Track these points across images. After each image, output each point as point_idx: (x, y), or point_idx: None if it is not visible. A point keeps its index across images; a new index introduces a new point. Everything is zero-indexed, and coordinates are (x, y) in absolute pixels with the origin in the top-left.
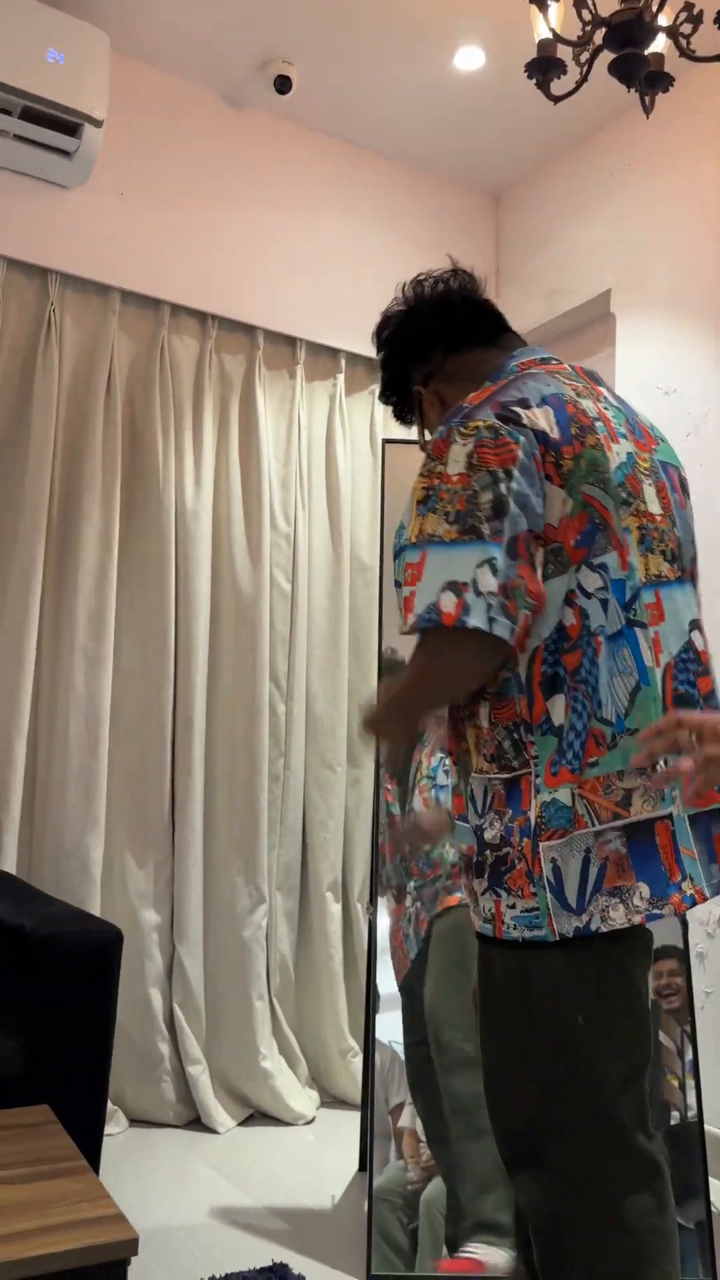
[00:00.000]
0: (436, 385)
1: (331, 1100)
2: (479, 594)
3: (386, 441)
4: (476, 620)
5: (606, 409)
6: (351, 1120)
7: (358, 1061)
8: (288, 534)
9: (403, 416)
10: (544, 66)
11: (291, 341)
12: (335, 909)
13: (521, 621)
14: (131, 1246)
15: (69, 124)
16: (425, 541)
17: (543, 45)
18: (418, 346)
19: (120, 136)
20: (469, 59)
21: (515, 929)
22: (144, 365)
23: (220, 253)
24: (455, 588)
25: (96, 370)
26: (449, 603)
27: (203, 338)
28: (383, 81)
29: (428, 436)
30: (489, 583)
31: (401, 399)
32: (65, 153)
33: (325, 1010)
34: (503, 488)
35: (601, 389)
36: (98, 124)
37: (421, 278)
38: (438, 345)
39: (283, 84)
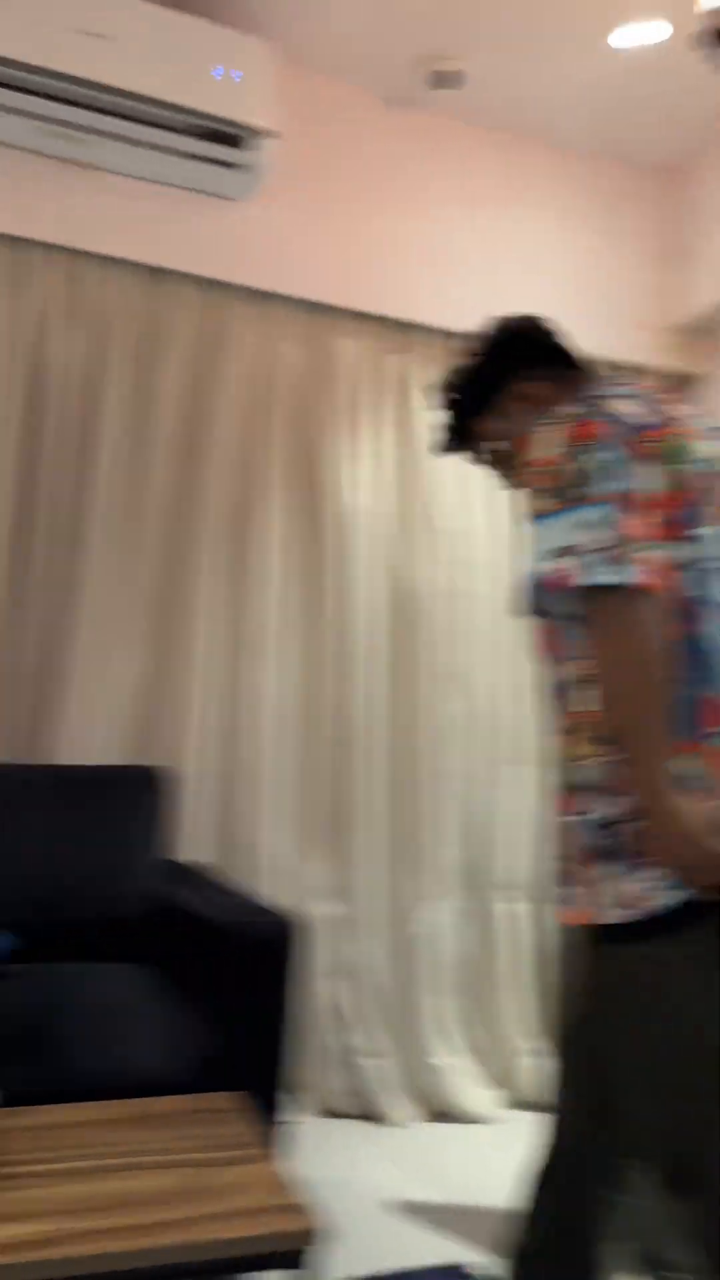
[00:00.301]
0: (533, 389)
1: (516, 1102)
2: (594, 551)
3: None
4: (593, 576)
5: (688, 416)
6: (534, 1122)
7: (540, 1063)
8: (453, 530)
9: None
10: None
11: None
12: (516, 908)
13: (656, 562)
14: (309, 1236)
15: (238, 138)
16: (533, 518)
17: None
18: (512, 353)
19: (287, 145)
20: (632, 36)
21: (663, 894)
22: (312, 370)
23: (387, 253)
24: (569, 552)
25: (268, 378)
26: (570, 564)
27: (369, 339)
28: (543, 68)
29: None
30: (602, 538)
31: (484, 403)
32: (235, 166)
33: (507, 1010)
34: (591, 458)
35: (683, 404)
36: (266, 136)
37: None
38: (539, 358)
39: (444, 80)
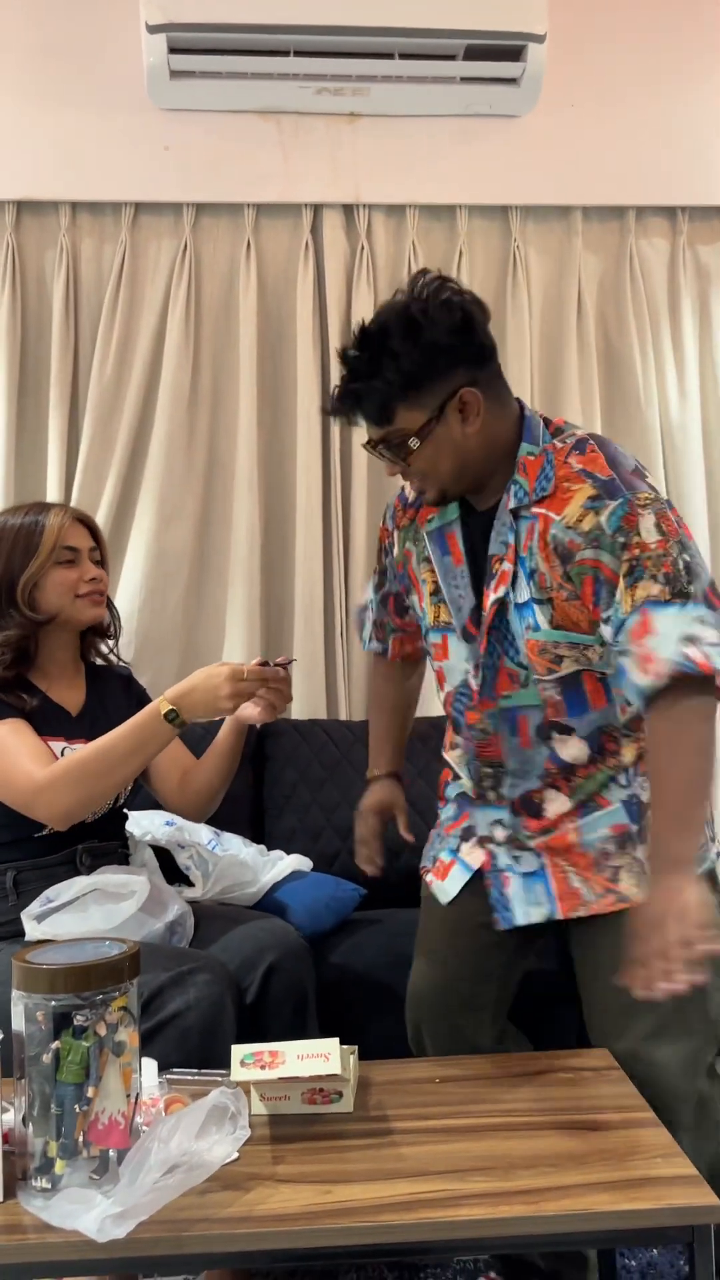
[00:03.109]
0: (483, 392)
1: None
2: (712, 645)
3: None
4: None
5: None
6: None
7: None
8: None
9: (399, 401)
10: None
11: None
12: None
13: None
14: (713, 1213)
15: (513, 50)
16: (643, 603)
17: None
18: (479, 348)
19: (560, 48)
20: None
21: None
22: (612, 280)
23: (682, 140)
24: (691, 640)
25: (565, 297)
26: (697, 654)
27: (672, 235)
28: None
29: (411, 444)
30: (711, 636)
31: (424, 385)
32: (512, 80)
33: None
34: (691, 552)
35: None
36: (540, 40)
37: (449, 283)
38: (491, 355)
39: None
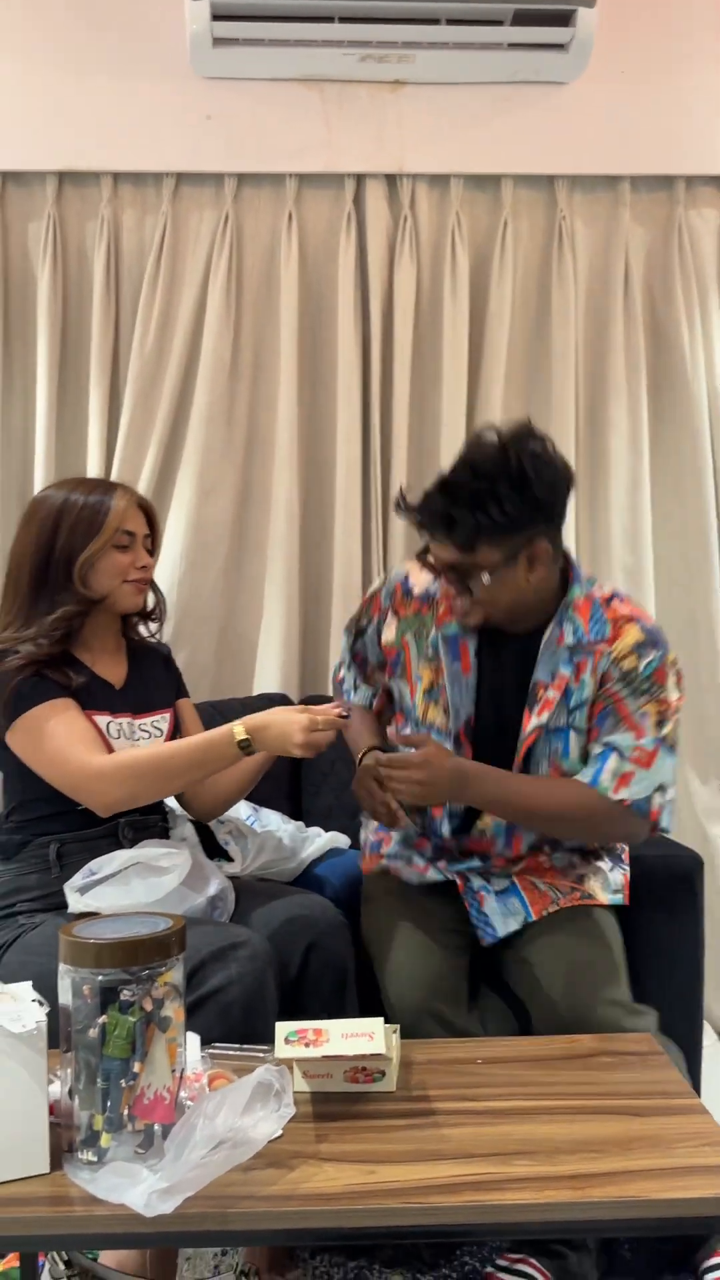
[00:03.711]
0: (551, 545)
1: None
2: (667, 799)
3: None
4: (665, 823)
5: None
6: None
7: None
8: None
9: (481, 542)
10: None
11: None
12: None
13: None
14: None
15: (562, 14)
16: (661, 743)
17: None
18: (563, 510)
19: (611, 12)
20: None
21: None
22: (661, 251)
23: None
24: (663, 790)
25: (611, 269)
26: (656, 803)
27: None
28: None
29: (486, 579)
30: (671, 794)
31: (514, 533)
32: (560, 46)
33: None
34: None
35: None
36: (590, 4)
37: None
38: (565, 516)
39: None
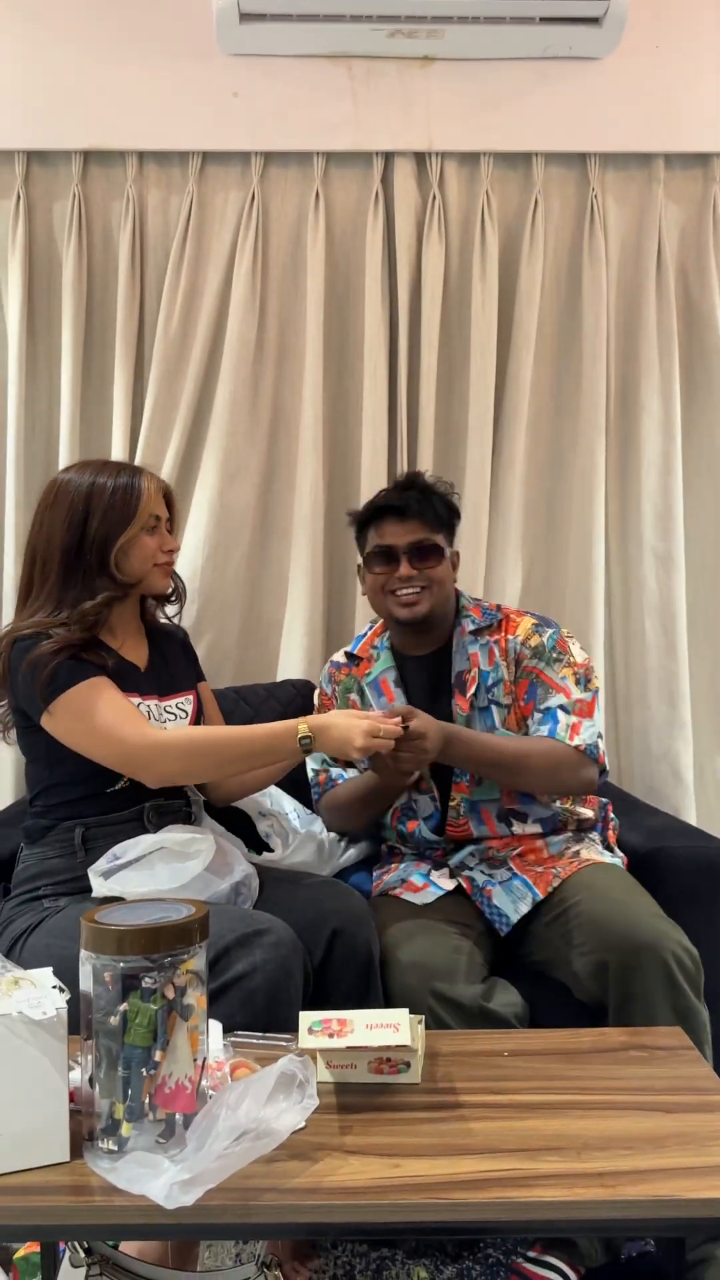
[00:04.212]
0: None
1: None
2: (603, 746)
3: None
4: (605, 766)
5: None
6: None
7: None
8: None
9: (432, 537)
10: None
11: None
12: None
13: None
14: None
15: None
16: (595, 695)
17: None
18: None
19: None
20: None
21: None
22: (695, 230)
23: None
24: (601, 737)
25: (644, 248)
26: (600, 748)
27: None
28: None
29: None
30: (601, 744)
31: (444, 530)
32: (594, 20)
33: None
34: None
35: None
36: None
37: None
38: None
39: None
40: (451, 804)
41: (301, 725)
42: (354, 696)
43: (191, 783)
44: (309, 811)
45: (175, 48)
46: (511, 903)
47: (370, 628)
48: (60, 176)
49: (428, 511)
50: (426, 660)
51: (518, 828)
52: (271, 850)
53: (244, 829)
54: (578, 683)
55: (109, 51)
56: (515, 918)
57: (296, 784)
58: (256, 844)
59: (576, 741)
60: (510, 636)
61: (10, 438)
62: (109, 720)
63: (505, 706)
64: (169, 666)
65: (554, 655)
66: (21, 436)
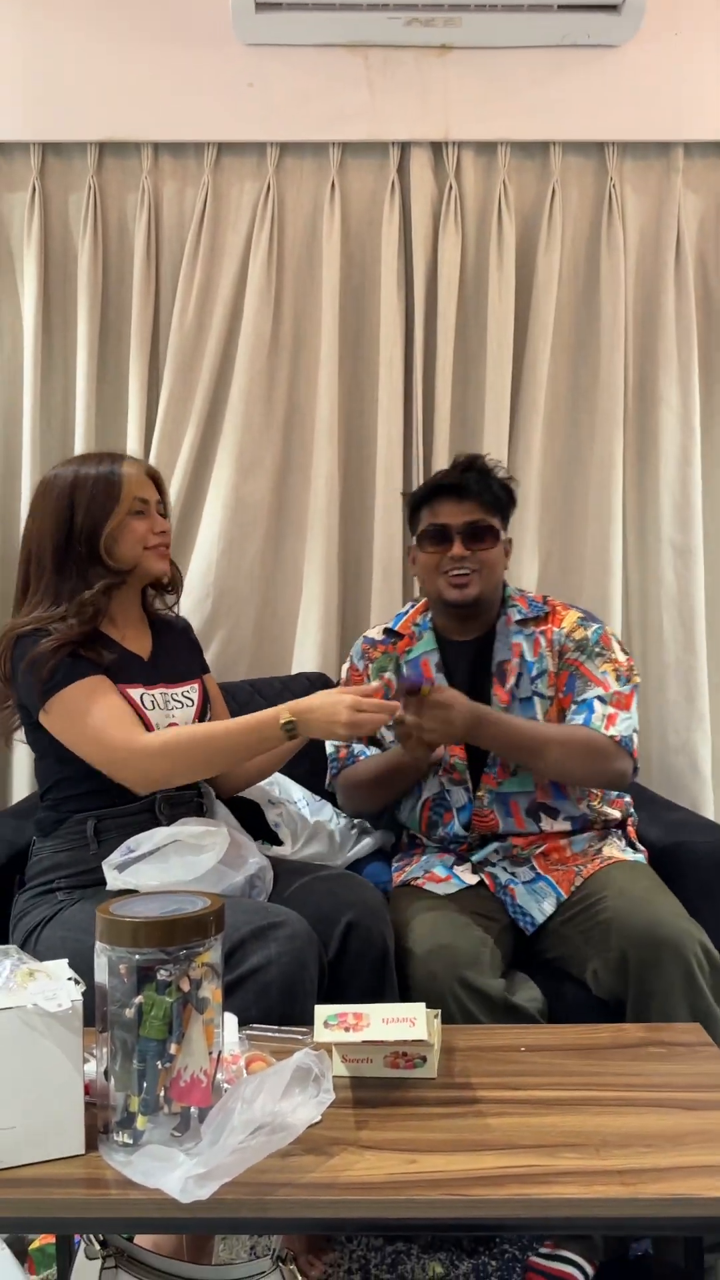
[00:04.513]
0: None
1: None
2: (637, 742)
3: None
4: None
5: None
6: None
7: None
8: None
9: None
10: None
11: None
12: None
13: None
14: None
15: None
16: (634, 689)
17: None
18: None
19: None
20: None
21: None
22: (714, 220)
23: None
24: (636, 732)
25: (663, 238)
26: (635, 742)
27: None
28: None
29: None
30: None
31: (500, 515)
32: (613, 7)
33: None
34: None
35: None
36: None
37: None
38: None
39: None
40: (477, 794)
41: (283, 712)
42: (388, 674)
43: (181, 784)
44: (319, 799)
45: (191, 38)
46: (535, 902)
47: (412, 606)
48: (75, 168)
49: (485, 493)
50: (469, 646)
51: (546, 824)
52: (281, 843)
53: (253, 819)
54: (618, 678)
55: (124, 42)
56: (541, 918)
57: (309, 774)
58: (266, 834)
59: (612, 732)
60: (556, 629)
61: (26, 430)
62: (98, 723)
63: (548, 699)
64: (173, 656)
65: (596, 650)
66: (37, 429)
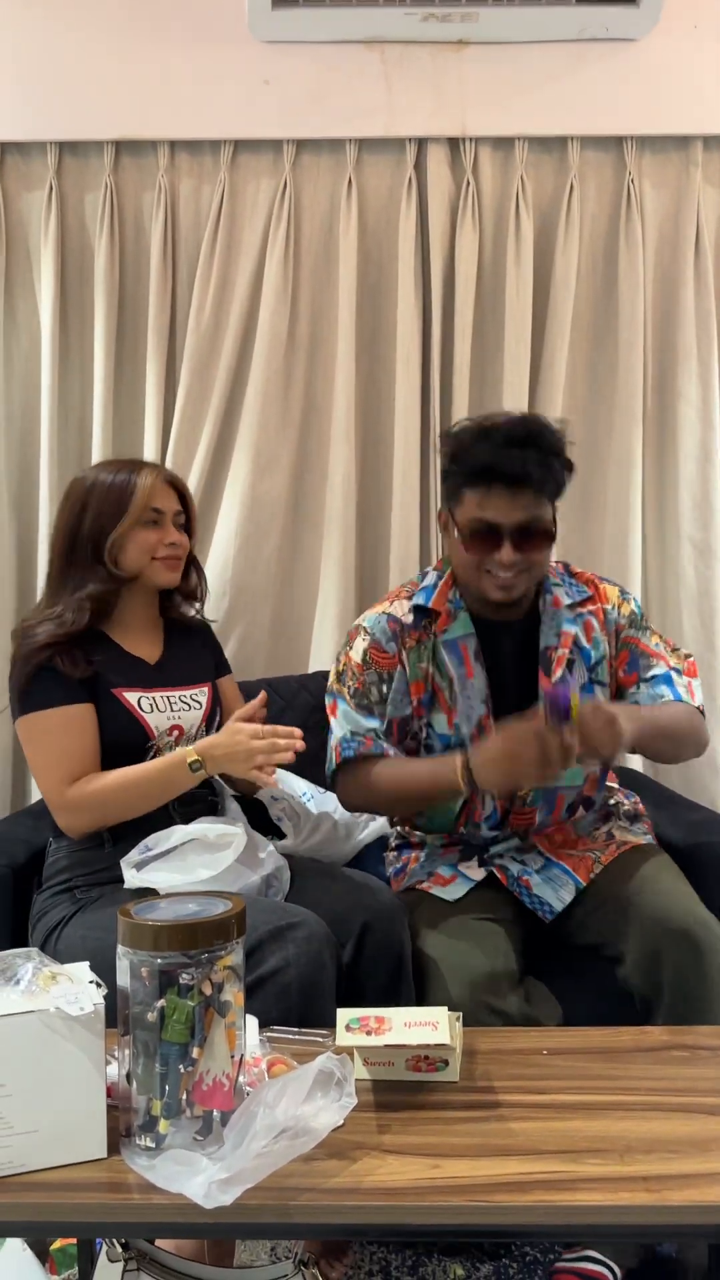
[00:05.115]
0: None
1: None
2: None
3: None
4: None
5: None
6: None
7: None
8: None
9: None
10: None
11: None
12: None
13: None
14: None
15: None
16: (684, 653)
17: None
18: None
19: None
20: None
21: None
22: None
23: None
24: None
25: (682, 233)
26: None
27: None
28: None
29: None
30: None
31: (551, 499)
32: (631, 0)
33: None
34: None
35: None
36: None
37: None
38: None
39: None
40: (520, 793)
41: (189, 752)
42: (426, 664)
43: (116, 823)
44: (323, 791)
45: (206, 35)
46: (553, 891)
47: (439, 577)
48: (92, 167)
49: (547, 483)
50: (510, 630)
51: (579, 814)
52: (284, 836)
53: (256, 814)
54: (670, 649)
55: (139, 41)
56: (560, 906)
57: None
58: (270, 829)
59: (698, 702)
60: (606, 606)
61: (44, 430)
62: (40, 764)
63: (605, 686)
64: (181, 659)
65: (644, 623)
66: (55, 429)
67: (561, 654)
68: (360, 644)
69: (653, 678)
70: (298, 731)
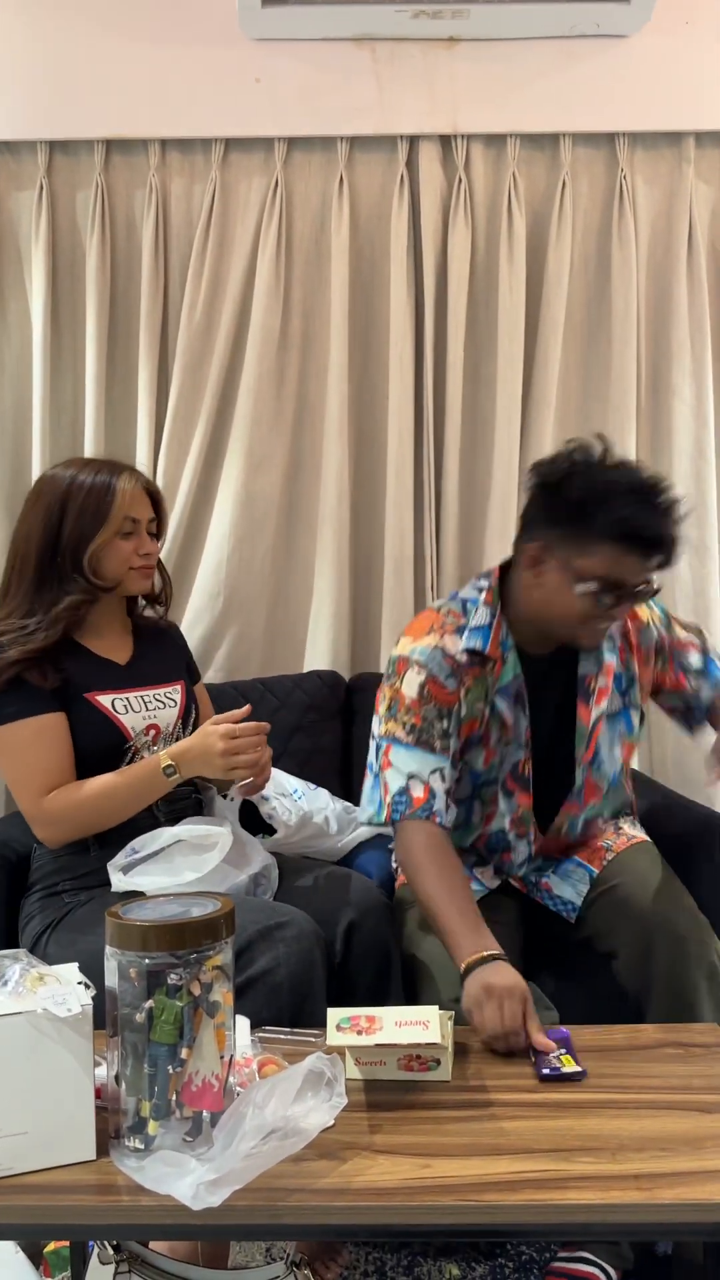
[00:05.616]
0: None
1: None
2: None
3: None
4: None
5: None
6: None
7: None
8: None
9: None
10: None
11: None
12: None
13: None
14: None
15: None
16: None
17: None
18: None
19: None
20: None
21: None
22: None
23: None
24: None
25: (674, 229)
26: None
27: None
28: None
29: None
30: None
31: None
32: None
33: None
34: None
35: None
36: None
37: None
38: None
39: None
40: (555, 825)
41: (162, 757)
42: (482, 704)
43: (95, 833)
44: (313, 787)
45: (197, 33)
46: (571, 887)
47: (491, 615)
48: (82, 166)
49: (671, 557)
50: (553, 664)
51: (605, 826)
52: (275, 832)
53: (246, 811)
54: (684, 628)
55: (130, 39)
56: (579, 901)
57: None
58: (261, 826)
59: None
60: (641, 625)
61: (36, 429)
62: (16, 777)
63: (639, 707)
64: (152, 660)
65: (668, 617)
66: (47, 427)
67: (602, 685)
68: (415, 677)
69: (703, 671)
70: (266, 726)
